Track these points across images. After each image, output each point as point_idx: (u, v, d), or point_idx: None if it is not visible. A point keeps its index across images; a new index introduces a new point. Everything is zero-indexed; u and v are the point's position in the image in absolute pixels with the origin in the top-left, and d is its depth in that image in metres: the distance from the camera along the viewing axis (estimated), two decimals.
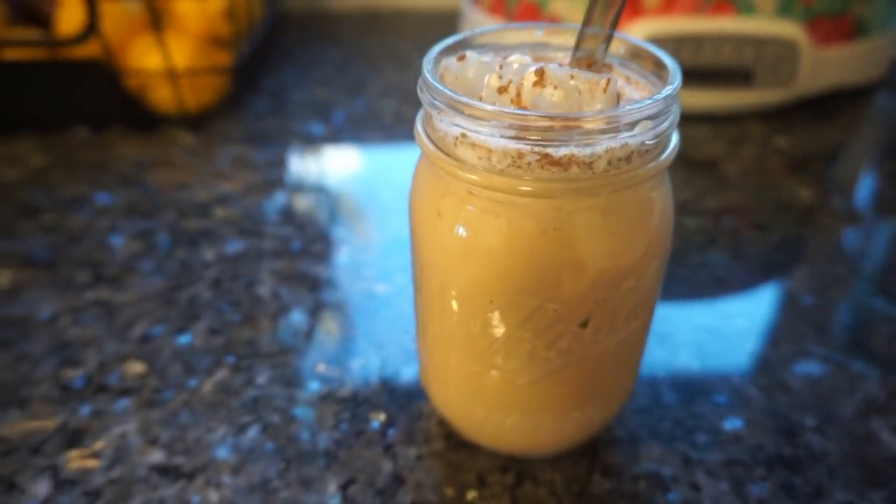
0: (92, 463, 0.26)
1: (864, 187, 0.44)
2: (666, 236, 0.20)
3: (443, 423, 0.27)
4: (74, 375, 0.29)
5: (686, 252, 0.37)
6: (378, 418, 0.27)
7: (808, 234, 0.38)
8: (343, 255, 0.37)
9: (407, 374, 0.29)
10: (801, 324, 0.32)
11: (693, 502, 0.24)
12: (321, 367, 0.30)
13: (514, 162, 0.17)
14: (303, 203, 0.41)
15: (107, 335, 0.31)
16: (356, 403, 0.28)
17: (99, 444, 0.26)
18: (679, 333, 0.31)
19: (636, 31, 0.47)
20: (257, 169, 0.45)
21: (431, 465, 0.26)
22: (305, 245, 0.37)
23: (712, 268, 0.36)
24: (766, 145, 0.47)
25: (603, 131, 0.17)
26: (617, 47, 0.22)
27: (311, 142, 0.48)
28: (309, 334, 0.31)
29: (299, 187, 0.43)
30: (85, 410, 0.28)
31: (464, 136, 0.18)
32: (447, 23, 0.66)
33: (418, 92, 0.20)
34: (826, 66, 0.50)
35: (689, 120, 0.50)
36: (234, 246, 0.37)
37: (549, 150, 0.17)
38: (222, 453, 0.26)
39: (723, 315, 0.32)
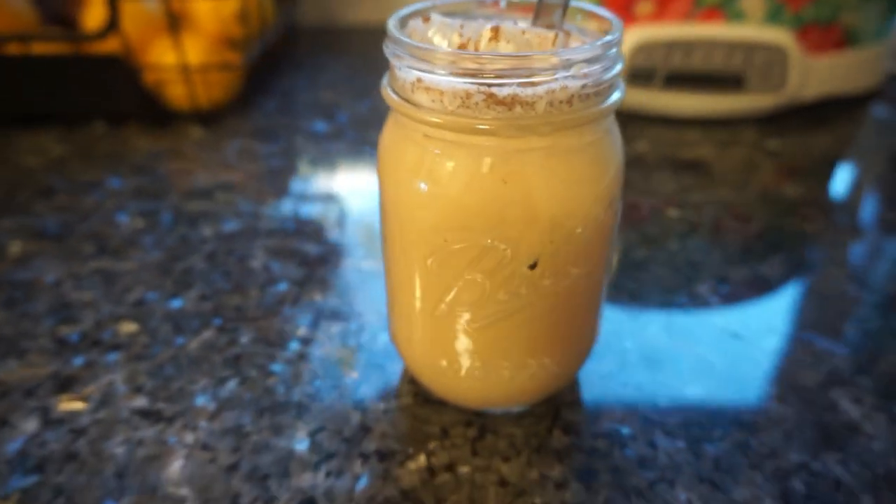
0: (79, 405, 0.27)
1: (849, 187, 0.45)
2: (613, 184, 0.21)
3: (413, 383, 0.28)
4: (71, 331, 0.31)
5: (666, 239, 0.38)
6: (351, 376, 0.29)
7: (789, 225, 0.39)
8: (334, 236, 0.39)
9: (383, 339, 0.30)
10: (772, 304, 0.33)
11: (649, 458, 0.25)
12: (301, 331, 0.31)
13: (464, 102, 0.19)
14: (301, 189, 0.43)
15: (104, 298, 0.33)
16: (331, 363, 0.29)
17: (88, 390, 0.28)
18: (650, 309, 0.32)
19: (627, 38, 0.49)
20: (261, 159, 0.47)
21: (398, 418, 0.27)
22: (299, 226, 0.39)
23: (689, 252, 0.36)
24: (756, 148, 0.48)
25: (543, 69, 0.18)
26: (573, 15, 0.23)
27: (315, 138, 0.50)
28: (294, 302, 0.33)
29: (299, 175, 0.45)
30: (78, 361, 0.29)
31: (419, 80, 0.20)
32: None
33: (384, 48, 0.21)
34: (817, 73, 0.51)
35: (680, 123, 0.52)
36: (231, 225, 0.39)
37: (494, 90, 0.19)
38: (201, 401, 0.27)
39: (695, 295, 0.33)
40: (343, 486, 0.24)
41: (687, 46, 0.49)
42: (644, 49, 0.49)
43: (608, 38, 0.19)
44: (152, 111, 0.51)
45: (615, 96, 0.21)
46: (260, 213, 0.41)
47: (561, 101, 0.19)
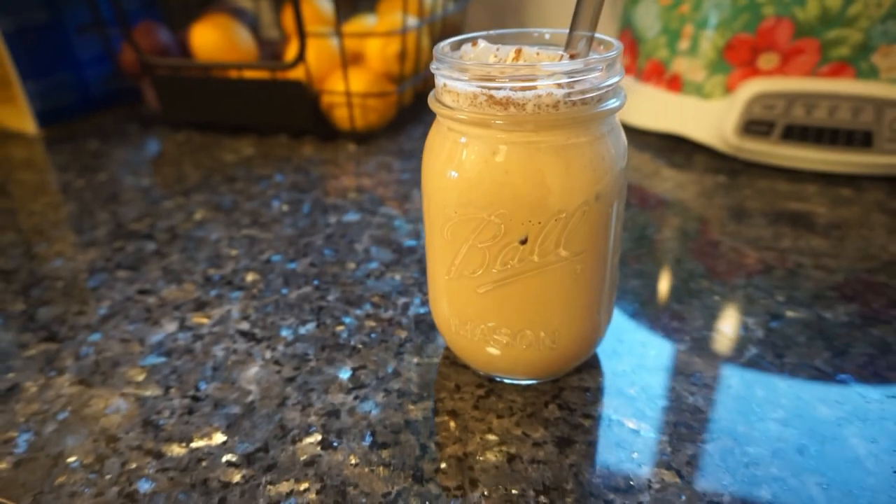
0: (205, 320, 0.36)
1: None
2: (605, 182, 0.25)
3: (447, 349, 0.33)
4: (215, 273, 0.41)
5: (733, 275, 0.38)
6: (400, 335, 0.34)
7: (878, 282, 0.37)
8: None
9: None
10: (819, 343, 0.32)
11: (627, 440, 0.27)
12: (375, 298, 0.38)
13: (472, 102, 0.24)
14: (418, 198, 0.51)
15: (244, 255, 0.43)
16: (389, 324, 0.35)
17: (213, 312, 0.37)
18: (688, 330, 0.34)
19: (747, 89, 0.50)
20: (394, 172, 0.56)
21: (424, 371, 0.32)
22: (403, 224, 0.46)
23: (752, 290, 0.37)
24: (876, 208, 0.46)
25: (527, 77, 0.23)
26: (598, 44, 0.27)
27: None
28: (378, 277, 0.40)
29: (419, 188, 0.53)
30: (213, 292, 0.39)
31: (445, 85, 0.25)
32: None
33: (431, 66, 0.28)
34: None
35: (799, 176, 0.51)
36: (351, 216, 0.48)
37: (493, 93, 0.24)
38: (284, 333, 0.35)
39: (740, 325, 0.34)
40: (364, 408, 0.29)
41: (810, 99, 0.48)
42: (763, 100, 0.50)
43: (589, 57, 0.24)
44: (323, 129, 0.63)
45: (610, 104, 0.25)
46: (377, 211, 0.49)
47: (548, 105, 0.24)
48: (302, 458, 0.27)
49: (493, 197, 0.25)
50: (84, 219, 0.50)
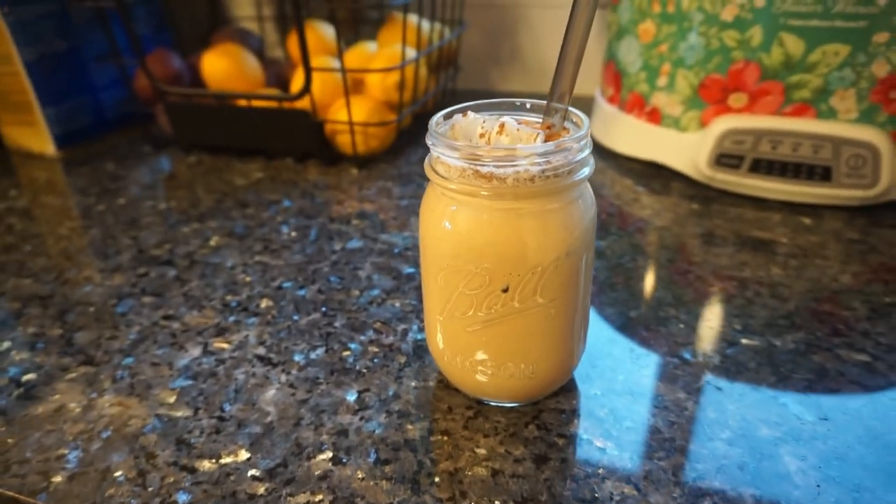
0: (225, 346, 0.41)
1: None
2: (575, 239, 0.30)
3: (441, 373, 0.38)
4: (233, 300, 0.45)
5: (696, 304, 0.43)
6: (399, 360, 0.39)
7: (824, 311, 0.42)
8: None
9: None
10: (767, 369, 0.37)
11: (594, 457, 0.32)
12: (378, 324, 0.42)
13: (461, 174, 0.29)
14: (415, 224, 0.55)
15: (258, 282, 0.47)
16: (390, 349, 0.40)
17: (232, 338, 0.41)
18: (653, 356, 0.38)
19: (719, 124, 0.55)
20: (394, 198, 0.60)
21: (421, 394, 0.36)
22: (402, 251, 0.51)
23: (713, 319, 0.41)
24: (833, 237, 0.50)
25: (503, 158, 0.27)
26: (572, 116, 0.32)
27: None
28: (380, 304, 0.44)
29: (416, 214, 0.57)
30: (231, 318, 0.43)
31: (438, 157, 0.30)
32: (584, 107, 0.78)
33: (427, 139, 0.32)
34: None
35: (766, 204, 0.55)
36: (354, 244, 0.52)
37: (478, 168, 0.28)
38: (297, 357, 0.39)
39: (699, 352, 0.38)
40: (368, 428, 0.34)
41: (775, 136, 0.53)
42: (733, 135, 0.54)
43: (560, 140, 0.28)
44: (327, 154, 0.67)
45: (580, 175, 0.29)
46: (378, 238, 0.53)
47: (525, 179, 0.28)
48: (316, 473, 0.31)
49: (479, 253, 0.29)
50: (108, 244, 0.54)
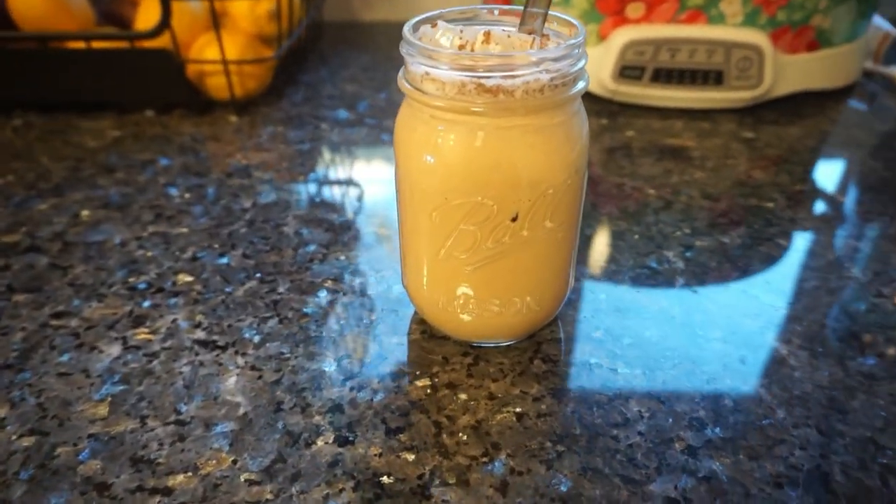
0: (151, 336, 0.33)
1: (814, 172, 0.50)
2: (579, 156, 0.27)
3: (421, 323, 0.34)
4: (139, 281, 0.37)
5: (643, 214, 0.43)
6: (370, 317, 0.35)
7: (752, 205, 0.44)
8: (356, 206, 0.45)
9: (397, 289, 0.37)
10: (727, 265, 0.38)
11: (610, 380, 0.31)
12: (329, 283, 0.37)
13: (460, 90, 0.25)
14: (324, 167, 0.49)
15: (164, 256, 0.40)
16: (354, 307, 0.35)
17: (157, 325, 0.34)
18: (624, 269, 0.38)
19: (619, 37, 0.55)
20: (290, 143, 0.53)
21: (408, 349, 0.33)
22: (324, 199, 0.45)
23: (662, 226, 0.42)
24: (733, 137, 0.54)
25: (520, 66, 0.24)
26: (551, 21, 0.29)
27: (338, 124, 0.56)
28: (322, 260, 0.39)
29: (324, 158, 0.51)
30: (146, 304, 0.36)
31: (427, 73, 0.25)
32: None
33: (400, 48, 0.27)
34: (792, 70, 0.56)
35: (667, 113, 0.57)
36: (267, 197, 0.45)
37: (483, 81, 0.24)
38: (248, 334, 0.34)
39: (663, 259, 0.39)
40: (364, 398, 0.30)
41: (673, 45, 0.54)
42: (634, 47, 0.54)
43: (571, 41, 0.25)
44: (195, 100, 0.58)
45: (580, 85, 0.26)
46: (292, 188, 0.47)
47: (534, 90, 0.25)
48: (324, 461, 0.27)
49: (485, 180, 0.26)
50: None
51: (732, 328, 0.34)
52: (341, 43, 0.76)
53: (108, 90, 0.57)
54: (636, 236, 0.41)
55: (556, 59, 0.24)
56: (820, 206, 0.45)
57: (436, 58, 0.25)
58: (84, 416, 0.29)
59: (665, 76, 0.55)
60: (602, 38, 0.56)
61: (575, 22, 0.27)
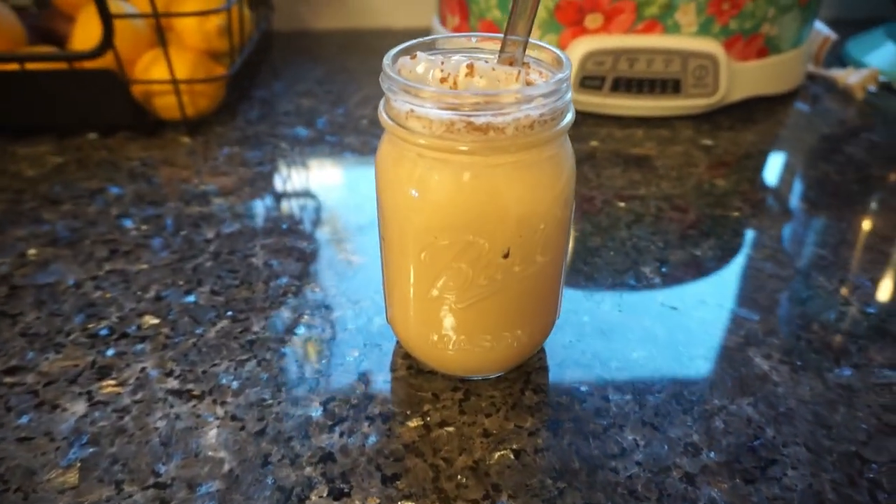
0: (119, 389, 0.31)
1: (771, 178, 0.51)
2: (567, 187, 0.27)
3: (406, 357, 0.33)
4: (99, 326, 0.35)
5: (616, 228, 0.43)
6: (352, 354, 0.33)
7: (719, 214, 0.45)
8: (325, 233, 0.43)
9: (377, 322, 0.35)
10: (704, 281, 0.39)
11: (603, 409, 0.30)
12: (306, 318, 0.36)
13: (448, 129, 0.24)
14: (290, 191, 0.48)
15: (124, 297, 0.37)
16: (335, 344, 0.34)
17: (124, 376, 0.32)
18: (603, 288, 0.38)
19: (580, 47, 0.55)
20: (249, 166, 0.51)
21: (396, 387, 0.32)
22: (291, 225, 0.44)
23: (635, 239, 0.42)
24: (692, 144, 0.55)
25: (510, 104, 0.23)
26: (531, 50, 0.28)
27: (297, 143, 0.55)
28: (296, 293, 0.38)
29: (287, 179, 0.49)
30: (110, 352, 0.33)
31: (412, 111, 0.24)
32: None
33: (380, 81, 0.26)
34: (744, 77, 0.57)
35: (627, 122, 0.58)
36: (231, 226, 0.43)
37: (472, 120, 0.24)
38: (225, 380, 0.32)
39: (640, 276, 0.39)
40: (355, 443, 0.29)
41: (631, 54, 0.55)
42: (593, 57, 0.55)
43: (560, 75, 0.25)
44: (142, 121, 0.55)
45: (567, 118, 0.26)
46: (255, 214, 0.45)
47: (525, 126, 0.24)
48: None
49: (475, 219, 0.25)
50: None
51: (713, 345, 0.34)
52: (293, 53, 0.74)
53: (45, 113, 0.53)
54: (612, 252, 0.41)
55: (545, 95, 0.24)
56: (780, 214, 0.46)
57: (422, 95, 0.24)
58: (51, 486, 0.27)
59: (625, 85, 0.56)
60: (561, 48, 0.56)
61: (559, 53, 0.27)
